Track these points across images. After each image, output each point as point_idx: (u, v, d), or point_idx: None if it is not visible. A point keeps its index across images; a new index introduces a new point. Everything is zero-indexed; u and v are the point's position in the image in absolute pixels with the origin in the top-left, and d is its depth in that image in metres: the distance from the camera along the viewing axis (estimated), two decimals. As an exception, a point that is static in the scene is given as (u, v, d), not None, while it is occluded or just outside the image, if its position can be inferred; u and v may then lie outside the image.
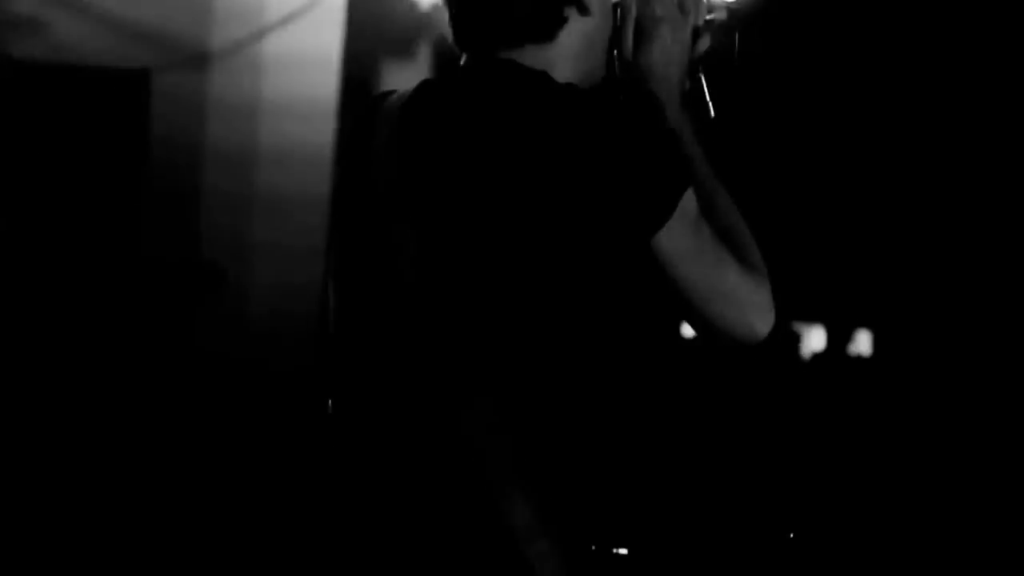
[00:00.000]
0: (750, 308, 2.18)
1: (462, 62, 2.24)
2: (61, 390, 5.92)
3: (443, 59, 8.72)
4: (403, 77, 8.26)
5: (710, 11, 2.44)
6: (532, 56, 2.19)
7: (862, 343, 7.83)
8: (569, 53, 2.22)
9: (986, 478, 6.44)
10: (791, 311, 7.72)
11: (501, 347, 2.10)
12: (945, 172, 7.36)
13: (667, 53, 2.30)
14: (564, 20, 2.20)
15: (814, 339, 7.86)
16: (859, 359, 7.78)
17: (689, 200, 2.12)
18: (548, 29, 2.20)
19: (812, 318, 7.86)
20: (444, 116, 2.16)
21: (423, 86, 2.21)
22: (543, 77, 2.17)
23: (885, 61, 7.31)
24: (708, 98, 2.40)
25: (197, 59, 6.36)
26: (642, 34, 2.29)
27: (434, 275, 2.12)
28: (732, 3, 2.60)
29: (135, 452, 5.85)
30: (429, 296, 2.13)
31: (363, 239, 2.19)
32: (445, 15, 2.27)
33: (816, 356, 7.66)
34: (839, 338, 7.85)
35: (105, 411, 5.93)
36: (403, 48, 7.99)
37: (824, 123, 7.45)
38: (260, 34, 6.17)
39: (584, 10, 2.21)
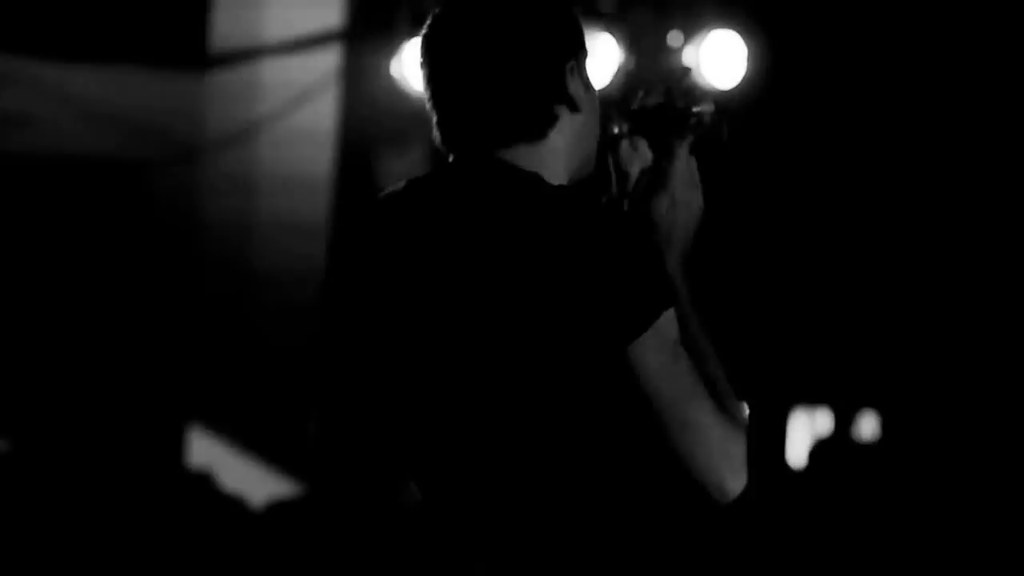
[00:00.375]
0: (721, 455, 2.11)
1: (451, 160, 2.20)
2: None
3: (438, 150, 8.74)
4: (399, 170, 8.24)
5: (698, 103, 2.42)
6: (523, 155, 2.17)
7: (868, 426, 7.78)
8: (560, 150, 2.20)
9: (994, 558, 6.36)
10: (798, 395, 7.73)
11: (489, 442, 2.09)
12: (945, 254, 7.39)
13: (675, 209, 2.27)
14: (555, 119, 2.18)
15: (820, 422, 7.79)
16: (865, 441, 7.75)
17: (670, 323, 2.09)
18: (539, 129, 2.17)
19: (818, 401, 7.81)
20: (436, 217, 2.13)
21: (412, 185, 2.18)
22: (535, 180, 2.14)
23: (873, 140, 7.36)
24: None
25: (191, 150, 6.35)
26: (653, 183, 2.27)
27: (426, 370, 2.10)
28: (720, 94, 2.62)
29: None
30: (421, 391, 2.10)
31: (357, 340, 2.16)
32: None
33: (823, 439, 7.63)
34: (845, 421, 7.79)
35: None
36: (399, 141, 7.98)
37: (817, 208, 7.52)
38: (253, 124, 6.18)
39: (574, 107, 2.19)
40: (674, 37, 6.18)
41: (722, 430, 2.12)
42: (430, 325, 2.11)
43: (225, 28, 6.19)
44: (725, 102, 2.50)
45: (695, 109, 2.41)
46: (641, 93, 2.38)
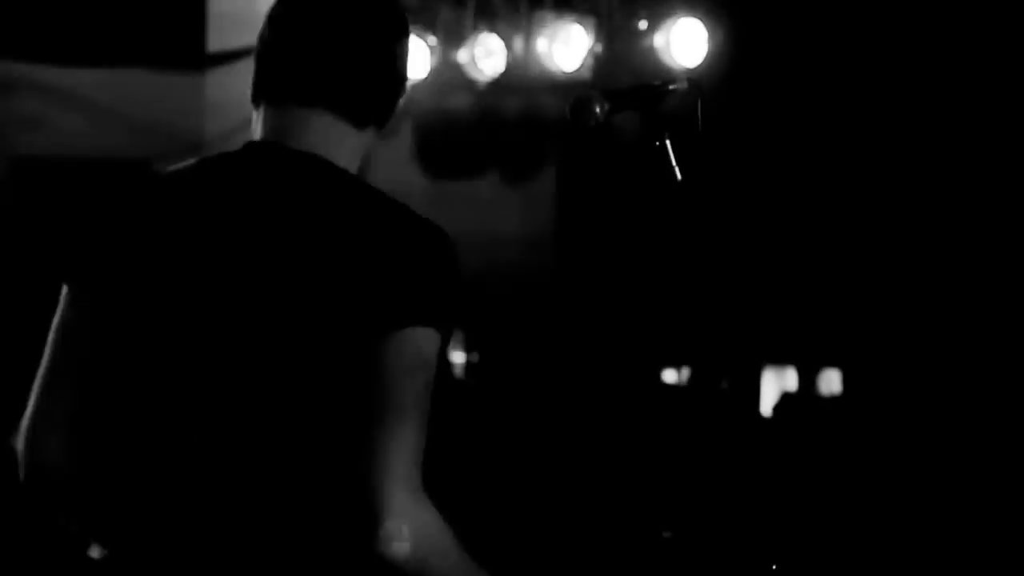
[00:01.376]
0: (395, 497, 1.93)
1: (248, 145, 2.16)
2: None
3: (423, 133, 8.84)
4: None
5: (673, 82, 2.46)
6: (341, 134, 2.14)
7: (832, 382, 7.83)
8: (357, 151, 2.16)
9: (953, 505, 6.44)
10: (765, 354, 7.76)
11: (265, 407, 2.02)
12: (904, 227, 7.41)
13: None
14: (378, 121, 2.17)
15: (787, 379, 7.83)
16: (829, 397, 7.79)
17: (429, 341, 1.98)
18: (364, 117, 2.14)
19: (784, 360, 7.84)
20: (233, 193, 2.08)
21: (203, 164, 2.13)
22: (342, 171, 2.10)
23: (846, 118, 7.37)
24: (674, 162, 2.41)
25: (192, 149, 6.37)
26: None
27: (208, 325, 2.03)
28: (692, 73, 2.64)
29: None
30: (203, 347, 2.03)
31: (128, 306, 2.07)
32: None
33: (789, 395, 7.67)
34: (809, 378, 7.83)
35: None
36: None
37: (783, 184, 7.50)
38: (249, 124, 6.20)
39: (383, 128, 2.19)
40: (640, 23, 6.31)
41: (414, 491, 1.93)
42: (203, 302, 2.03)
43: (221, 29, 6.20)
44: (697, 80, 2.54)
45: (671, 86, 2.44)
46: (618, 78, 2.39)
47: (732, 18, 6.36)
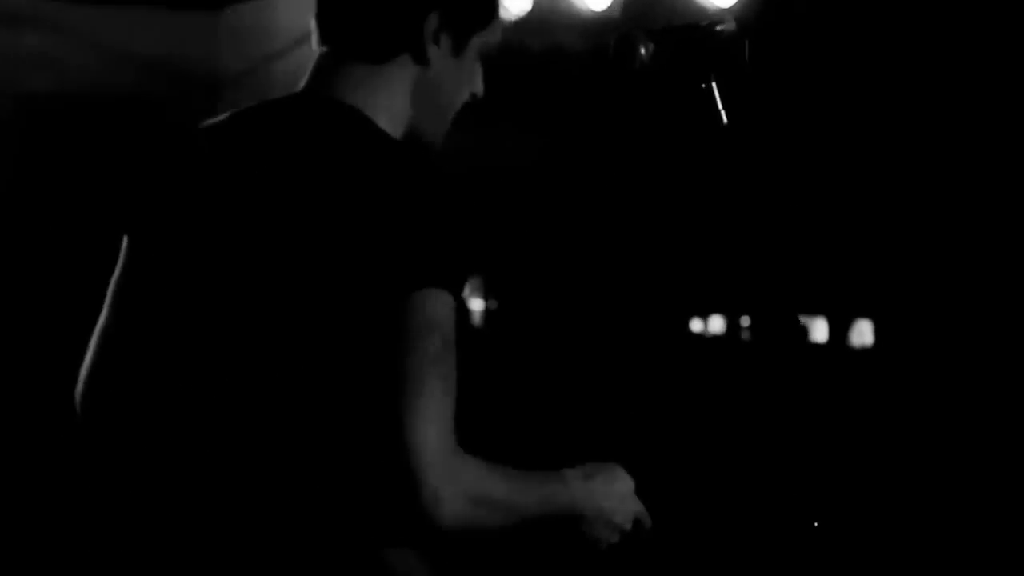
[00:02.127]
0: (427, 467, 1.92)
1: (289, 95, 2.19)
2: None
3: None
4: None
5: (720, 22, 2.43)
6: (361, 76, 2.15)
7: (864, 333, 7.79)
8: (396, 90, 2.14)
9: (984, 459, 6.42)
10: (796, 305, 7.72)
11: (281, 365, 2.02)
12: (941, 174, 7.42)
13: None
14: (396, 52, 2.14)
15: (818, 331, 7.82)
16: (861, 348, 7.76)
17: (444, 303, 1.96)
18: (378, 52, 2.14)
19: (815, 311, 7.83)
20: (258, 147, 2.12)
21: (236, 117, 2.18)
22: (363, 120, 2.10)
23: (887, 63, 7.37)
24: (720, 105, 2.39)
25: (206, 89, 6.32)
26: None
27: (236, 284, 2.06)
28: (737, 13, 2.60)
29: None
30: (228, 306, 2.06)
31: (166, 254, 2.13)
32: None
33: (820, 346, 7.65)
34: (841, 329, 7.81)
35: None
36: None
37: (827, 126, 7.55)
38: (268, 59, 6.15)
39: (421, 58, 2.14)
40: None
41: (437, 431, 1.92)
42: (230, 255, 2.06)
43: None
44: (745, 21, 2.49)
45: (718, 27, 2.41)
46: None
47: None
